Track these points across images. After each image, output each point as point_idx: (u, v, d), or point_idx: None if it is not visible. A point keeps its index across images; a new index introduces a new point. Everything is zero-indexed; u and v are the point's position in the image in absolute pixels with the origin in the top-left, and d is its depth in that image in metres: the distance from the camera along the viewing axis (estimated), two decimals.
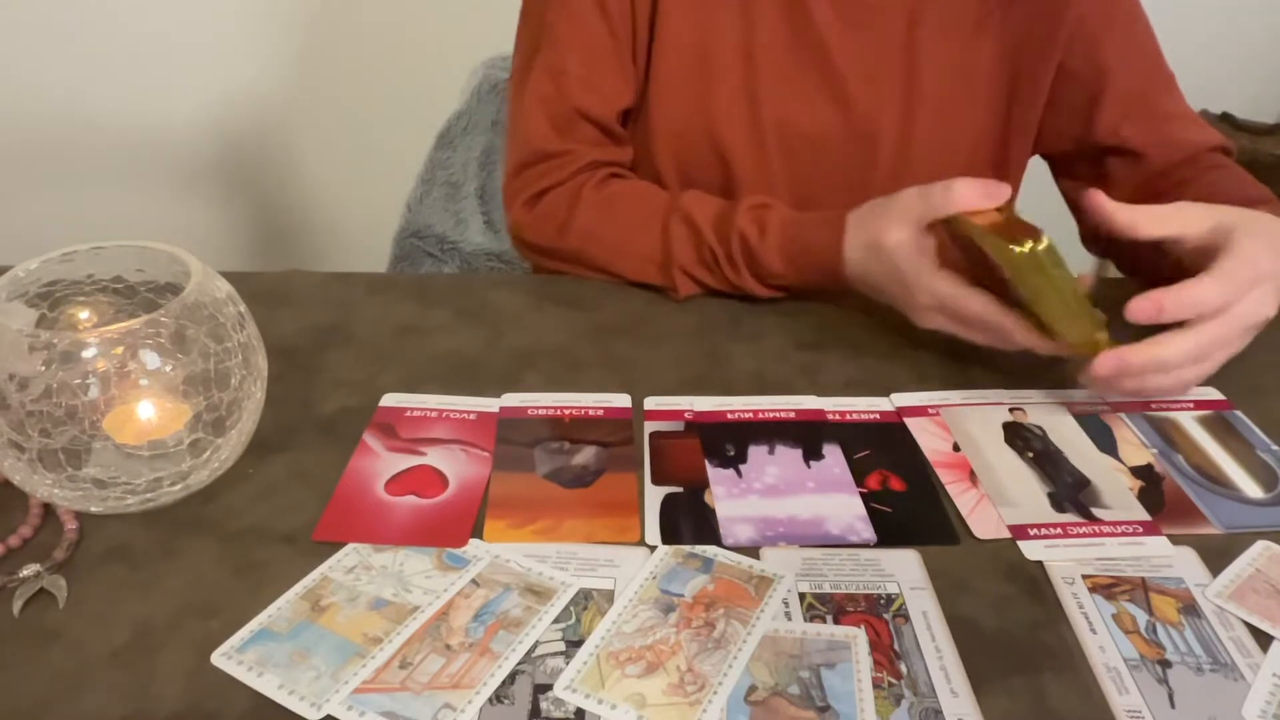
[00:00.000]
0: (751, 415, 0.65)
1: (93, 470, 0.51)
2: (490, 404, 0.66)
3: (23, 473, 0.51)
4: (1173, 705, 0.45)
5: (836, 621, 0.49)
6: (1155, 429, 0.65)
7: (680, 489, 0.58)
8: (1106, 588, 0.52)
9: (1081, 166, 0.89)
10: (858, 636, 0.48)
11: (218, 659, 0.47)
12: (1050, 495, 0.58)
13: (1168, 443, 0.63)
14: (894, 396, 0.67)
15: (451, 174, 1.23)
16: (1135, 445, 0.63)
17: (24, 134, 1.76)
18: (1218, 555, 0.54)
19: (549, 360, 0.71)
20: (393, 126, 1.73)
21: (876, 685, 0.46)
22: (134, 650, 0.47)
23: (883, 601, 0.51)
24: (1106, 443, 0.63)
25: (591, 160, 0.85)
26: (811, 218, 0.76)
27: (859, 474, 0.60)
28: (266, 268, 1.94)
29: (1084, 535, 0.55)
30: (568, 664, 0.47)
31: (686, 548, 0.54)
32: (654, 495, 0.58)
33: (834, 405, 0.66)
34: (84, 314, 0.57)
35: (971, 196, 0.64)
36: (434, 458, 0.61)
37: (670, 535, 0.55)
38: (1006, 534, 0.55)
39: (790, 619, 0.49)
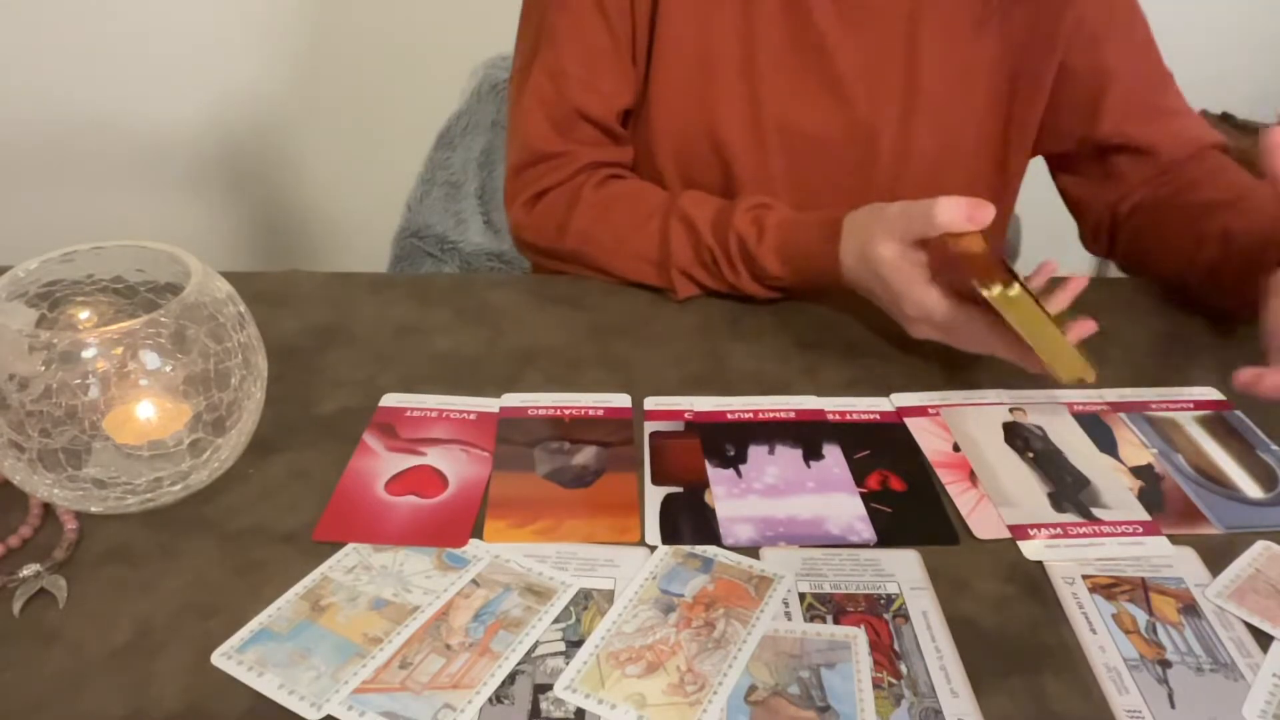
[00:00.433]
0: (751, 415, 0.65)
1: (93, 470, 0.51)
2: (490, 404, 0.66)
3: (23, 473, 0.51)
4: (1173, 705, 0.45)
5: (836, 621, 0.49)
6: (1155, 429, 0.65)
7: (680, 489, 0.58)
8: (1106, 588, 0.52)
9: (1085, 165, 0.89)
10: (858, 636, 0.48)
11: (218, 659, 0.47)
12: (1050, 495, 0.58)
13: (1168, 443, 0.63)
14: (894, 396, 0.67)
15: (451, 174, 1.23)
16: (1135, 445, 0.63)
17: (24, 134, 1.76)
18: (1218, 555, 0.54)
19: (549, 360, 0.71)
20: (393, 126, 1.73)
21: (876, 685, 0.46)
22: (134, 650, 0.47)
23: (883, 601, 0.51)
24: (1106, 443, 0.63)
25: (591, 161, 0.85)
26: (809, 219, 0.76)
27: (859, 474, 0.60)
28: (266, 268, 1.94)
29: (1084, 535, 0.55)
30: (568, 664, 0.47)
31: (686, 548, 0.54)
32: (654, 495, 0.58)
33: (834, 405, 0.66)
34: (84, 314, 0.57)
35: (955, 219, 0.62)
36: (434, 458, 0.61)
37: (670, 535, 0.55)
38: (1006, 534, 0.55)
39: (790, 619, 0.49)
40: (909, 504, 0.58)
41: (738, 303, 0.79)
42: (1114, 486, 0.59)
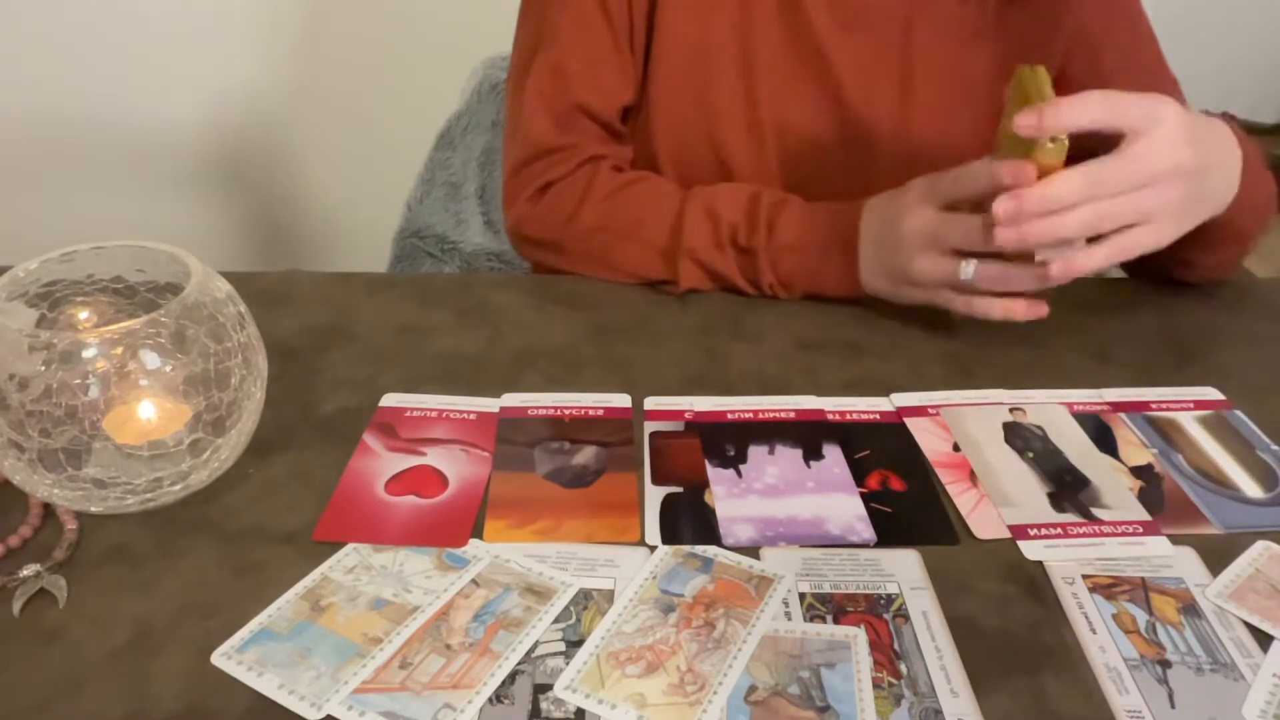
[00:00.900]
0: (751, 415, 0.65)
1: (93, 470, 0.51)
2: (490, 404, 0.66)
3: (23, 473, 0.51)
4: (1173, 705, 0.45)
5: (836, 621, 0.49)
6: (1155, 429, 0.65)
7: (680, 489, 0.58)
8: (1106, 588, 0.52)
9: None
10: (858, 636, 0.48)
11: (218, 659, 0.47)
12: (1050, 495, 0.58)
13: (1168, 443, 0.63)
14: (894, 396, 0.67)
15: (452, 174, 1.23)
16: (1135, 445, 0.63)
17: (24, 134, 1.76)
18: (1218, 555, 0.54)
19: (549, 360, 0.71)
20: (393, 126, 1.73)
21: (876, 685, 0.46)
22: (134, 650, 0.47)
23: (883, 601, 0.51)
24: (1106, 443, 0.63)
25: (594, 154, 0.85)
26: (831, 203, 0.78)
27: (859, 474, 0.60)
28: (266, 268, 1.93)
29: (1084, 535, 0.55)
30: (568, 664, 0.47)
31: (686, 548, 0.54)
32: (654, 495, 0.58)
33: (834, 405, 0.66)
34: (84, 314, 0.57)
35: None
36: (434, 458, 0.61)
37: (670, 535, 0.55)
38: (1006, 534, 0.55)
39: (790, 619, 0.49)
40: (909, 504, 0.58)
41: (738, 302, 0.79)
42: (1114, 486, 0.59)
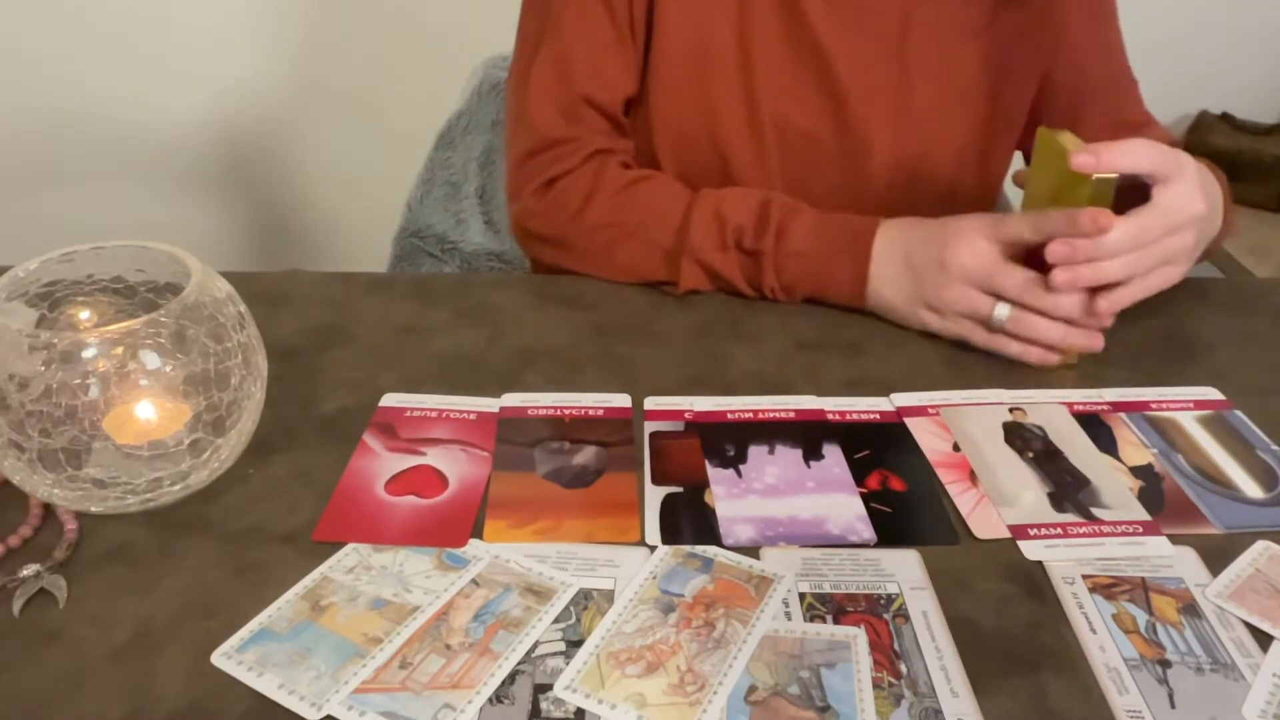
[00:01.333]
0: (751, 415, 0.65)
1: (93, 470, 0.51)
2: (490, 404, 0.66)
3: (23, 473, 0.51)
4: (1173, 705, 0.45)
5: (836, 621, 0.49)
6: (1155, 429, 0.65)
7: (680, 489, 0.58)
8: (1106, 588, 0.52)
9: None
10: (858, 636, 0.48)
11: (218, 659, 0.47)
12: (1050, 495, 0.58)
13: (1168, 443, 0.63)
14: (894, 396, 0.67)
15: (452, 174, 1.23)
16: (1135, 445, 0.63)
17: (24, 134, 1.76)
18: (1218, 555, 0.54)
19: (549, 360, 0.71)
20: (393, 126, 1.73)
21: (876, 685, 0.46)
22: (134, 650, 0.47)
23: (883, 601, 0.51)
24: (1106, 443, 0.63)
25: (599, 147, 0.85)
26: (844, 214, 0.78)
27: (859, 474, 0.60)
28: (266, 268, 1.94)
29: (1084, 535, 0.55)
30: (568, 664, 0.47)
31: (686, 548, 0.54)
32: (654, 495, 0.58)
33: (834, 405, 0.66)
34: (84, 314, 0.57)
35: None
36: (434, 458, 0.61)
37: (670, 535, 0.55)
38: (1006, 534, 0.55)
39: (790, 619, 0.49)
40: (909, 504, 0.58)
41: (738, 302, 0.79)
42: (1114, 486, 0.59)
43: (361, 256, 1.85)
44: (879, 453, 0.62)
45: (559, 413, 0.65)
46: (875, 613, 0.50)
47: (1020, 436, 0.64)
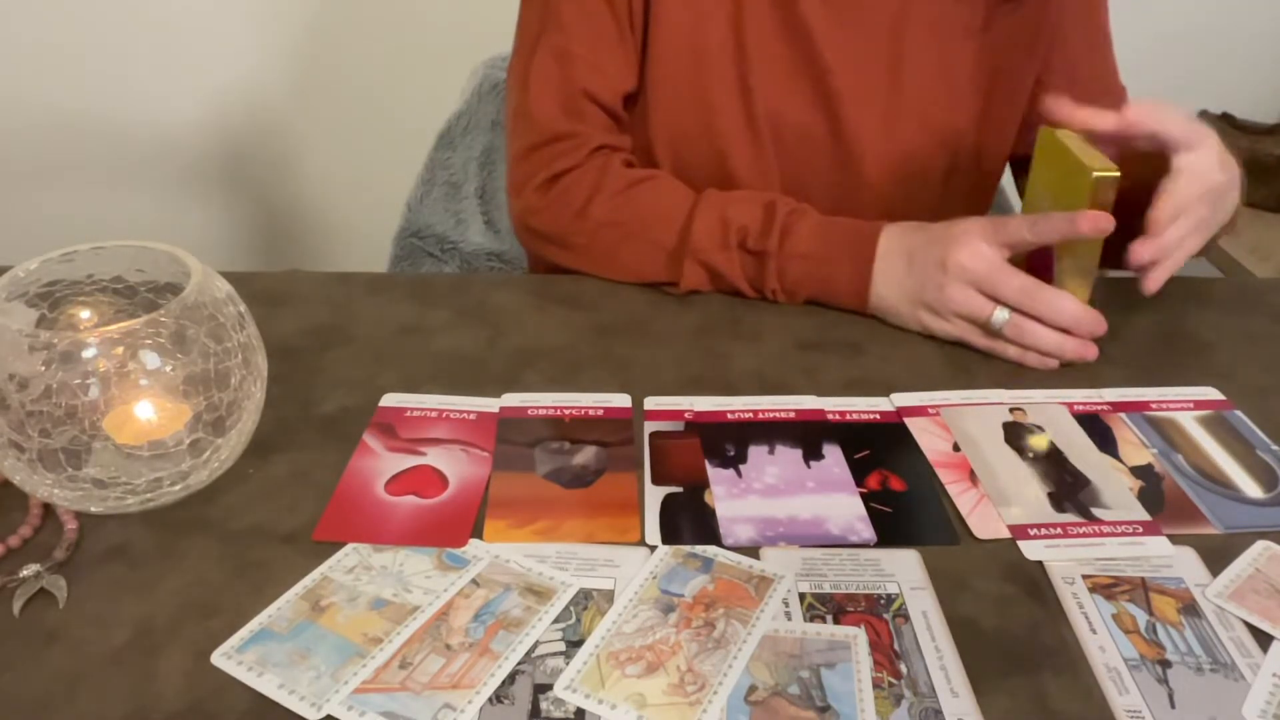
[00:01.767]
0: (751, 415, 0.65)
1: (93, 470, 0.51)
2: (490, 404, 0.66)
3: (23, 473, 0.51)
4: (1173, 705, 0.45)
5: (836, 621, 0.49)
6: (1155, 429, 0.65)
7: (680, 489, 0.58)
8: (1106, 588, 0.52)
9: None
10: (858, 636, 0.48)
11: (218, 659, 0.47)
12: (1050, 495, 0.58)
13: (1168, 443, 0.63)
14: (894, 396, 0.67)
15: (452, 174, 1.23)
16: (1135, 445, 0.63)
17: (24, 134, 1.76)
18: (1218, 555, 0.54)
19: (549, 360, 0.71)
20: (393, 126, 1.73)
21: (876, 685, 0.46)
22: (134, 650, 0.47)
23: (883, 601, 0.51)
24: (1106, 443, 0.63)
25: (602, 143, 0.85)
26: (848, 218, 0.78)
27: (859, 474, 0.60)
28: (266, 268, 1.94)
29: (1084, 535, 0.55)
30: (568, 664, 0.47)
31: (686, 548, 0.54)
32: (654, 495, 0.58)
33: (834, 405, 0.66)
34: (84, 314, 0.57)
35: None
36: (434, 458, 0.61)
37: (670, 535, 0.55)
38: (1006, 534, 0.55)
39: (790, 619, 0.49)
40: (909, 504, 0.58)
41: (738, 302, 0.79)
42: (1114, 486, 0.59)
43: (361, 256, 1.85)
44: (879, 453, 0.62)
45: (559, 413, 0.65)
46: (875, 613, 0.50)
47: (1020, 436, 0.64)
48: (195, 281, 0.53)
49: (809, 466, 0.61)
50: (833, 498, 0.58)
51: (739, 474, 0.60)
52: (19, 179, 1.79)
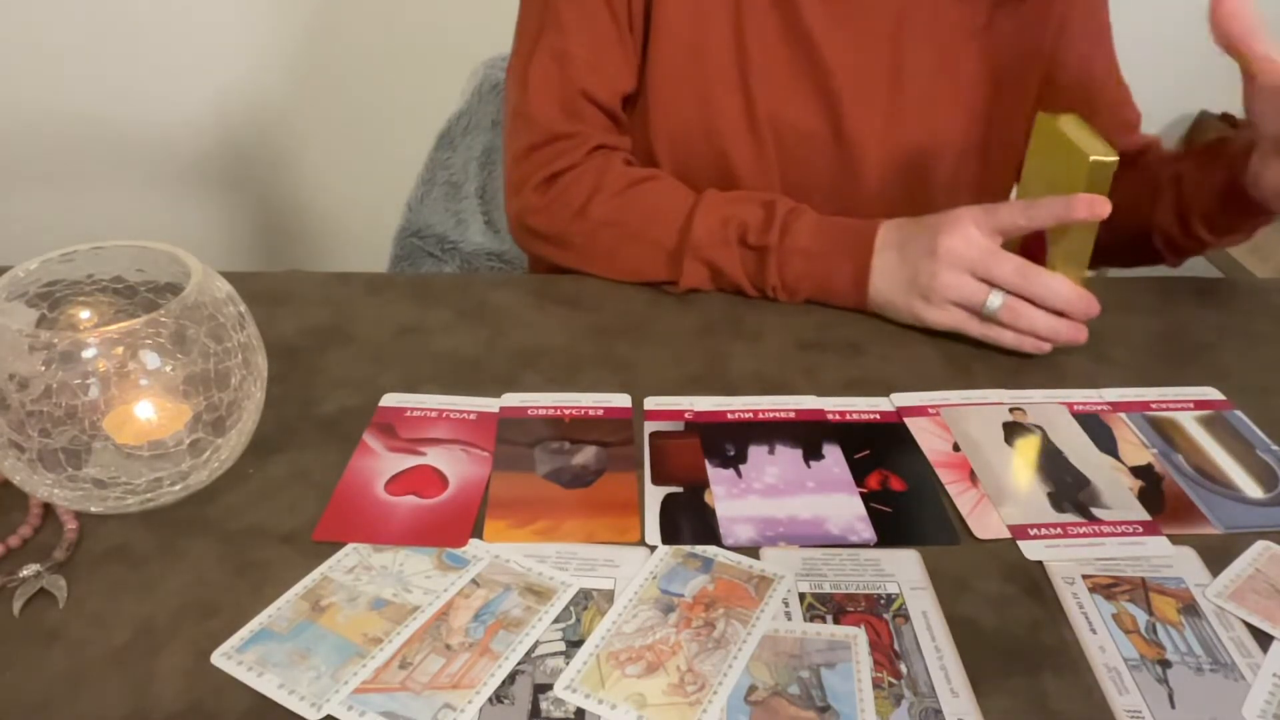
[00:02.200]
0: (751, 415, 0.65)
1: (93, 470, 0.51)
2: (490, 404, 0.66)
3: (23, 473, 0.51)
4: (1173, 705, 0.45)
5: (836, 621, 0.49)
6: (1155, 429, 0.65)
7: (680, 489, 0.58)
8: (1106, 588, 0.52)
9: None
10: (858, 636, 0.48)
11: (218, 659, 0.47)
12: (1050, 495, 0.58)
13: (1168, 443, 0.63)
14: (894, 396, 0.67)
15: (452, 174, 1.23)
16: (1135, 445, 0.63)
17: (24, 134, 1.76)
18: (1218, 555, 0.54)
19: (549, 360, 0.71)
20: (393, 126, 1.73)
21: (876, 685, 0.46)
22: (134, 650, 0.47)
23: (883, 601, 0.51)
24: (1106, 443, 0.63)
25: (601, 143, 0.84)
26: (847, 218, 0.79)
27: (859, 474, 0.60)
28: (266, 268, 1.94)
29: (1084, 535, 0.55)
30: (568, 664, 0.47)
31: (686, 548, 0.54)
32: (654, 495, 0.58)
33: (834, 405, 0.66)
34: (84, 314, 0.57)
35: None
36: (434, 458, 0.61)
37: (670, 535, 0.55)
38: (1006, 534, 0.55)
39: (790, 619, 0.49)
40: (909, 504, 0.58)
41: (738, 302, 0.79)
42: (1114, 486, 0.59)
43: (361, 256, 1.85)
44: (879, 453, 0.62)
45: (559, 413, 0.65)
46: (875, 613, 0.50)
47: (1020, 437, 0.64)
48: (195, 281, 0.53)
49: (809, 466, 0.61)
50: (833, 498, 0.58)
51: (739, 474, 0.60)
52: (19, 179, 1.79)
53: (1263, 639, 0.49)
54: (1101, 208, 0.66)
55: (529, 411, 0.65)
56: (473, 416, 0.65)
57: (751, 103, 0.84)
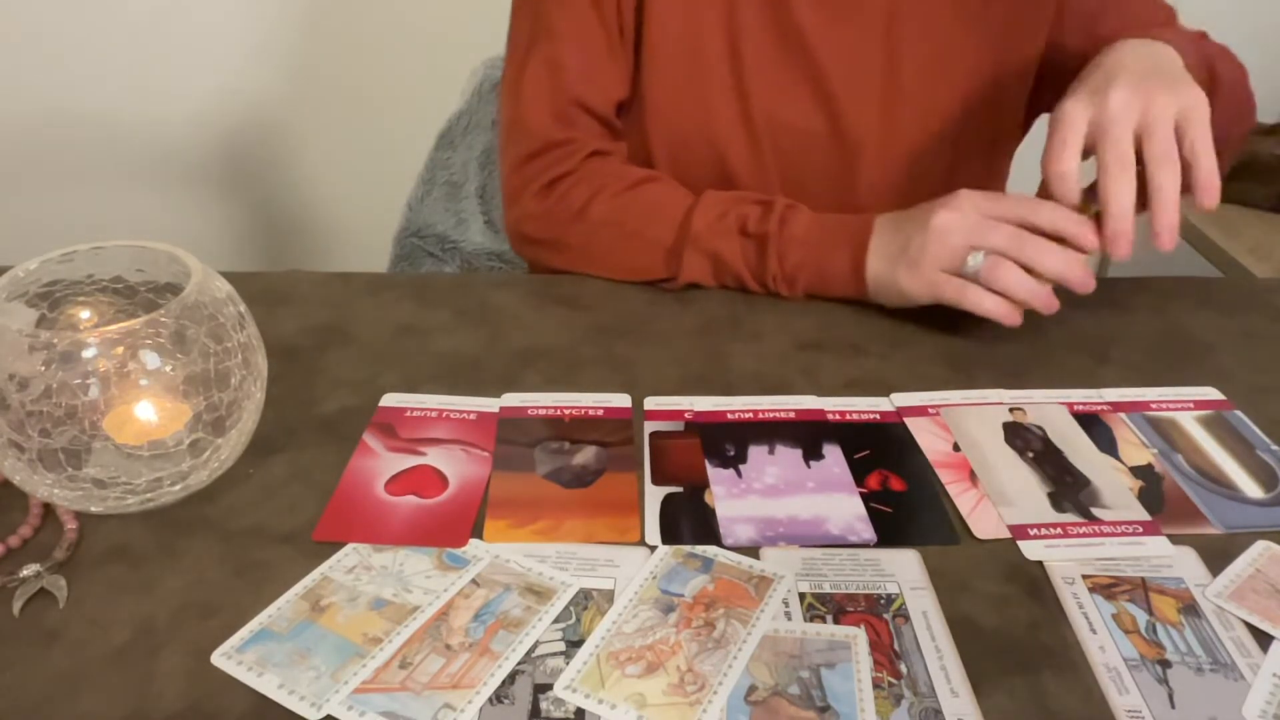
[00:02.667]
0: (751, 415, 0.65)
1: (93, 470, 0.51)
2: (490, 404, 0.66)
3: (23, 473, 0.51)
4: (1173, 705, 0.45)
5: (836, 621, 0.49)
6: (1155, 429, 0.65)
7: (680, 489, 0.58)
8: (1106, 588, 0.52)
9: None
10: (858, 636, 0.48)
11: (218, 659, 0.47)
12: (1050, 495, 0.58)
13: (1168, 443, 0.63)
14: (894, 396, 0.67)
15: (452, 174, 1.23)
16: (1135, 445, 0.63)
17: (24, 133, 1.76)
18: (1218, 555, 0.54)
19: (549, 360, 0.71)
20: (393, 126, 1.73)
21: (876, 685, 0.46)
22: (134, 650, 0.47)
23: (883, 601, 0.51)
24: (1106, 443, 0.63)
25: (596, 149, 0.85)
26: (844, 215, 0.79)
27: (859, 474, 0.60)
28: (266, 268, 1.94)
29: (1084, 535, 0.55)
30: (568, 664, 0.47)
31: (686, 548, 0.54)
32: (654, 495, 0.58)
33: (834, 405, 0.66)
34: (84, 314, 0.57)
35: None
36: (434, 458, 0.61)
37: (670, 535, 0.55)
38: (1006, 534, 0.55)
39: (790, 619, 0.49)
40: (909, 504, 0.58)
41: (738, 302, 0.79)
42: (1114, 486, 0.59)
43: (361, 256, 1.85)
44: (879, 453, 0.62)
45: (559, 413, 0.65)
46: (875, 613, 0.50)
47: (1020, 436, 0.64)
48: (195, 281, 0.53)
49: (809, 466, 0.61)
50: (833, 498, 0.58)
51: (739, 474, 0.60)
52: (19, 179, 1.79)
53: (1263, 639, 0.49)
54: (1088, 238, 0.67)
55: (529, 411, 0.65)
56: (473, 416, 0.65)
57: (747, 104, 0.84)
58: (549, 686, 0.46)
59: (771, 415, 0.65)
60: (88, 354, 0.50)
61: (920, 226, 0.72)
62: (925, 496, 0.58)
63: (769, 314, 0.77)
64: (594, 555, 0.53)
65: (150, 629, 0.48)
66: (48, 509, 0.56)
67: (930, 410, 0.66)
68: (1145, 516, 0.57)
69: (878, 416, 0.65)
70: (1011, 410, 0.66)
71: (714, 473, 0.60)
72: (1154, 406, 0.67)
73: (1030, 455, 0.62)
